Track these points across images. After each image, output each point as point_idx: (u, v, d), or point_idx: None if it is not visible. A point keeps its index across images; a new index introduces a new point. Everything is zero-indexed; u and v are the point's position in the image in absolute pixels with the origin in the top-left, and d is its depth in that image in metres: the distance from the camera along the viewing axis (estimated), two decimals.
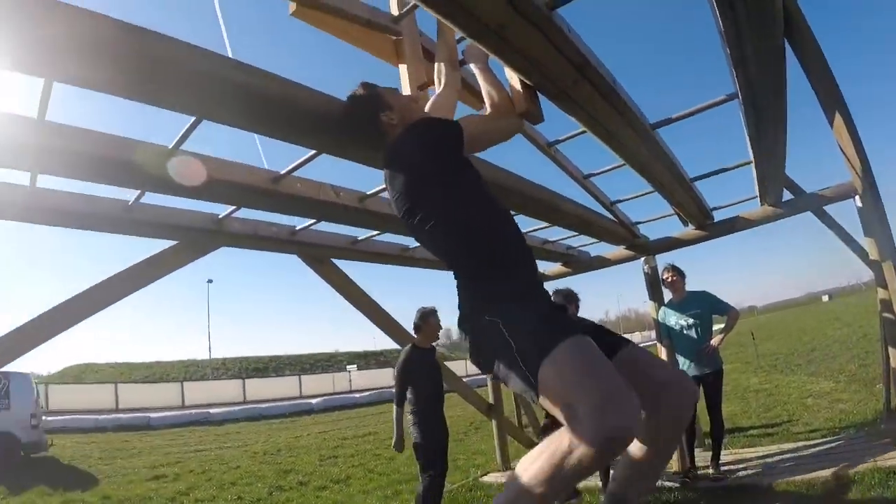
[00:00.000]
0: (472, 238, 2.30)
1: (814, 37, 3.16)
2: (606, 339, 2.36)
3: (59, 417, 20.23)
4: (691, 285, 6.51)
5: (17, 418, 12.59)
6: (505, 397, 8.41)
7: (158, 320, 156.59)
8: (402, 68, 3.48)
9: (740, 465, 6.31)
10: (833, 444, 6.48)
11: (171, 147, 3.20)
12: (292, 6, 3.06)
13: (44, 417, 14.35)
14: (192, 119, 2.88)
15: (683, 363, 6.29)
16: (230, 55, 2.47)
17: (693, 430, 6.41)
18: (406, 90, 3.38)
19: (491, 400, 8.42)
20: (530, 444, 8.76)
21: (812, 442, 6.85)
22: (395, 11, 3.48)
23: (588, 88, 2.96)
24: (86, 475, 11.26)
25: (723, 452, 6.42)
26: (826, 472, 5.36)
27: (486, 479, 7.63)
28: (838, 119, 4.35)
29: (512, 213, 4.89)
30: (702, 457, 6.51)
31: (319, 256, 5.99)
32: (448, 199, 2.34)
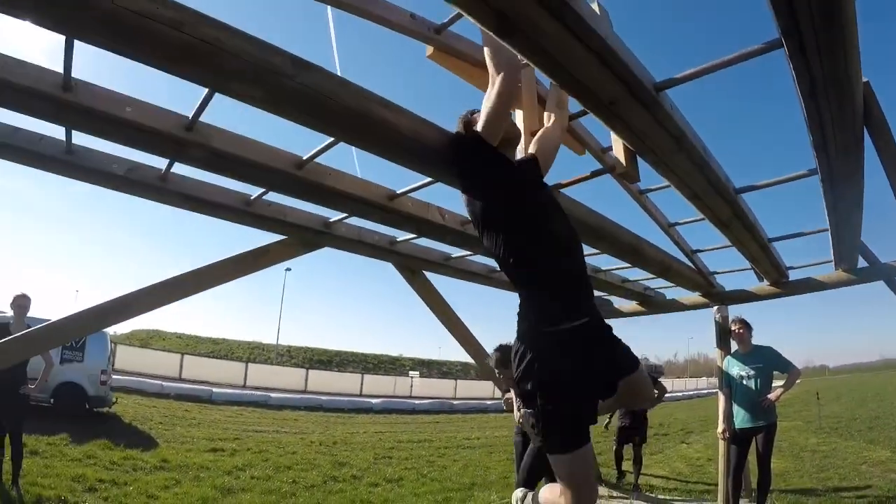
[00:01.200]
0: (516, 266, 2.66)
1: (888, 126, 3.28)
2: (622, 363, 2.70)
3: (125, 377, 20.77)
4: (762, 338, 6.61)
5: (89, 372, 13.20)
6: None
7: (229, 299, 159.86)
8: (518, 114, 3.78)
9: None
10: None
11: (304, 159, 3.61)
12: (429, 50, 3.44)
13: (112, 375, 14.95)
14: (330, 139, 3.26)
15: (738, 413, 6.41)
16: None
17: (740, 480, 6.49)
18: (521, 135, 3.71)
19: None
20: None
21: None
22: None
23: (683, 158, 3.22)
24: (146, 436, 11.71)
25: None
26: None
27: None
28: None
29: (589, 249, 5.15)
30: None
31: (413, 267, 6.35)
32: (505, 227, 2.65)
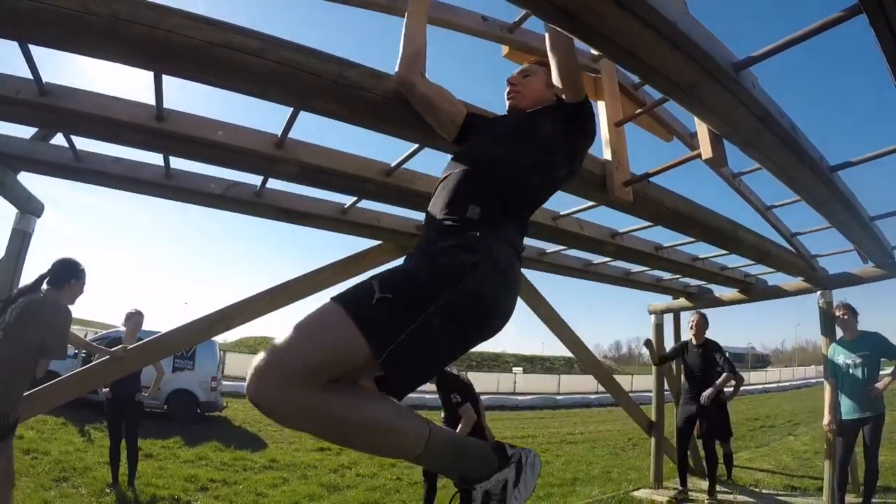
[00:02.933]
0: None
1: None
2: None
3: (234, 383, 21.45)
4: (870, 324, 6.26)
5: (199, 379, 13.91)
6: (667, 415, 8.35)
7: None
8: (601, 104, 3.78)
9: None
10: None
11: (392, 165, 3.72)
12: (505, 49, 3.48)
13: (221, 381, 15.63)
14: (415, 146, 3.35)
15: (844, 403, 6.09)
16: None
17: (846, 474, 6.17)
18: (604, 125, 3.69)
19: (653, 417, 8.45)
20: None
21: None
22: (595, 52, 3.74)
23: (770, 137, 3.10)
24: (255, 438, 12.08)
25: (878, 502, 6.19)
26: None
27: (637, 493, 7.66)
28: None
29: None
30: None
31: None
32: None
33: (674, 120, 4.61)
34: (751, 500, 7.28)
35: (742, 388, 18.98)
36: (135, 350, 5.13)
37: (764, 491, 8.00)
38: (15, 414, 3.88)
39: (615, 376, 8.59)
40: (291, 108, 3.04)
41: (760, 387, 43.55)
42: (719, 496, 7.33)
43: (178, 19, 2.25)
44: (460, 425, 5.74)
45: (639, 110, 3.87)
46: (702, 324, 7.38)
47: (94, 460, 7.97)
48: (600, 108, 3.75)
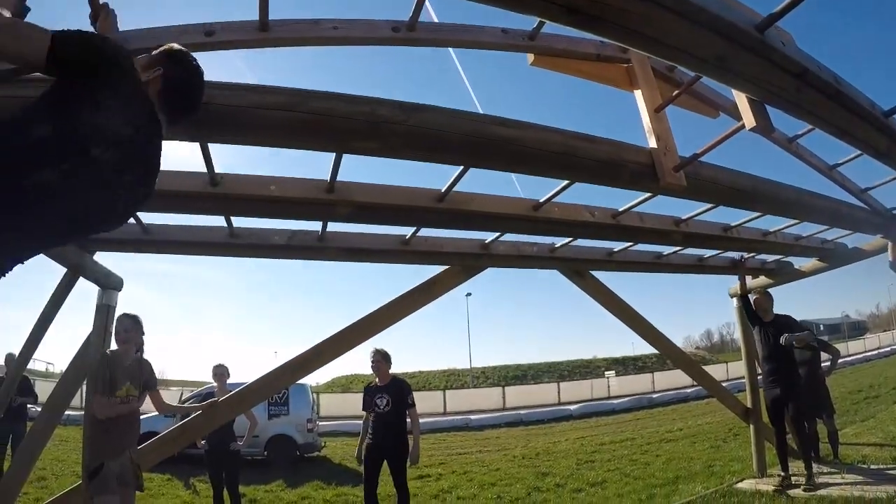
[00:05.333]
0: None
1: None
2: None
3: (330, 422, 21.92)
4: None
5: (295, 423, 14.32)
6: (763, 400, 8.08)
7: (421, 333, 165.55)
8: (637, 93, 3.78)
9: None
10: None
11: (442, 190, 3.80)
12: (530, 58, 3.53)
13: (317, 422, 16.07)
14: (460, 168, 3.42)
15: None
16: (479, 109, 2.97)
17: None
18: (644, 113, 3.67)
19: (749, 404, 8.21)
20: (792, 453, 8.41)
21: None
22: None
23: (812, 93, 3.02)
24: (355, 473, 11.84)
25: None
26: None
27: (740, 485, 7.41)
28: None
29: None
30: None
31: (579, 269, 6.35)
32: None
33: (716, 95, 4.54)
34: (859, 478, 6.89)
35: (841, 361, 18.23)
36: (225, 401, 5.32)
37: (873, 466, 7.63)
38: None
39: (710, 366, 8.38)
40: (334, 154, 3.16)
41: (861, 356, 41.46)
42: (826, 478, 7.05)
43: (211, 90, 2.36)
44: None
45: (675, 92, 3.83)
46: (762, 300, 7.21)
47: None
48: (637, 97, 3.74)
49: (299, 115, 2.49)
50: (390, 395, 6.46)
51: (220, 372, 7.33)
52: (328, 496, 9.60)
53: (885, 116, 3.81)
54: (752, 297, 7.28)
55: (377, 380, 6.60)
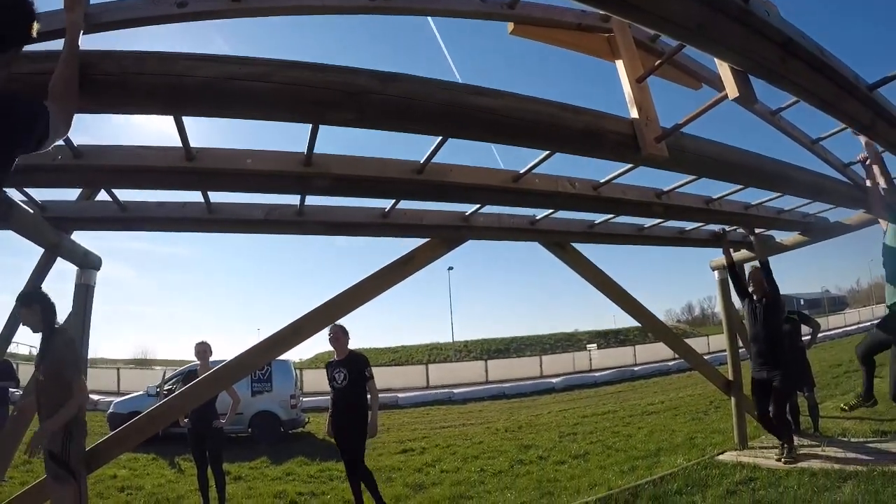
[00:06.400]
0: None
1: None
2: None
3: (314, 398, 21.81)
4: None
5: (279, 399, 14.46)
6: (745, 373, 8.11)
7: (403, 308, 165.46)
8: (619, 63, 3.72)
9: None
10: None
11: (421, 162, 3.74)
12: (510, 26, 3.47)
13: (301, 398, 16.20)
14: (439, 139, 3.36)
15: None
16: (459, 79, 2.93)
17: None
18: (625, 84, 3.63)
19: (730, 376, 8.26)
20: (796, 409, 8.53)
21: None
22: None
23: (797, 64, 3.00)
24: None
25: None
26: None
27: (722, 457, 7.48)
28: None
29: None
30: None
31: (560, 242, 6.30)
32: None
33: (699, 66, 4.50)
34: (839, 450, 7.04)
35: (822, 335, 18.46)
36: (207, 378, 5.27)
37: (853, 439, 7.76)
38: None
39: (691, 339, 8.42)
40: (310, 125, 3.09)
41: (840, 330, 42.04)
42: (807, 450, 7.17)
43: (184, 62, 2.33)
44: None
45: (658, 62, 3.78)
46: (757, 274, 7.17)
47: (185, 489, 8.24)
48: (619, 68, 3.69)
49: (274, 86, 2.42)
50: (347, 369, 6.47)
51: (203, 349, 7.32)
52: (312, 472, 9.67)
53: (869, 90, 3.79)
54: (747, 270, 7.24)
55: (336, 354, 6.61)
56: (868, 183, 5.49)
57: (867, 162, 5.46)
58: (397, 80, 2.65)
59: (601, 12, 3.72)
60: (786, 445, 6.73)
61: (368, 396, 6.56)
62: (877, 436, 7.84)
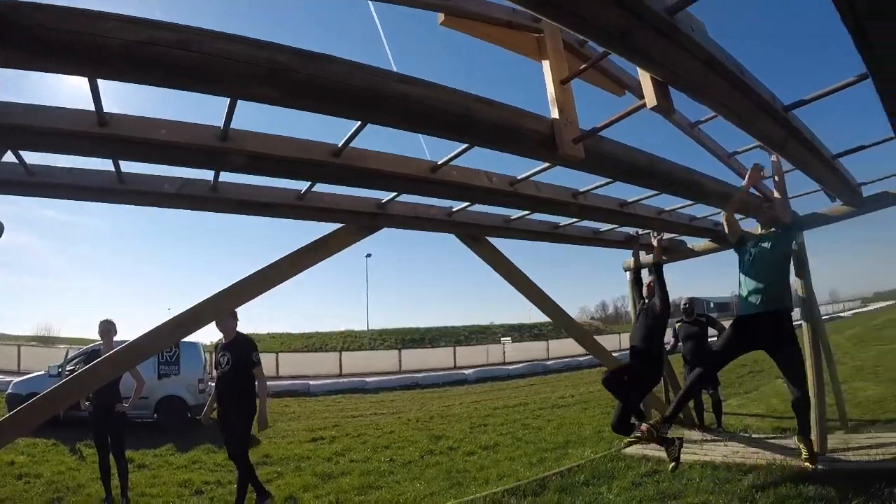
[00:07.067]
0: None
1: None
2: None
3: None
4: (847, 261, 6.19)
5: (187, 383, 13.80)
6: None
7: (318, 293, 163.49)
8: (545, 63, 3.75)
9: (878, 450, 6.20)
10: None
11: (339, 145, 3.67)
12: (441, 17, 3.46)
13: (210, 383, 15.59)
14: (358, 123, 3.31)
15: None
16: (394, 68, 2.89)
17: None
18: (549, 84, 3.66)
19: None
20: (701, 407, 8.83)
21: None
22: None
23: (717, 80, 3.11)
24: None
25: (865, 437, 6.69)
26: None
27: (628, 450, 7.69)
28: None
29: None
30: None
31: (475, 235, 6.32)
32: None
33: (624, 73, 4.60)
34: (741, 445, 7.38)
35: None
36: (109, 358, 5.04)
37: (754, 435, 8.14)
38: None
39: (603, 336, 8.60)
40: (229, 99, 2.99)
41: None
42: (710, 445, 7.54)
43: (103, 23, 2.22)
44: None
45: (583, 66, 3.84)
46: (650, 278, 7.20)
47: (87, 477, 7.88)
48: (545, 68, 3.73)
49: (194, 55, 2.33)
50: (232, 353, 6.23)
51: (107, 328, 6.95)
52: (219, 460, 9.34)
53: (784, 111, 3.96)
54: (645, 281, 7.34)
55: (223, 337, 6.40)
56: (776, 194, 5.69)
57: (774, 177, 5.68)
58: (319, 61, 2.60)
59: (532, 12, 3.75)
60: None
61: (256, 384, 6.29)
62: (777, 432, 8.26)
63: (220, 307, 4.98)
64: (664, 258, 7.04)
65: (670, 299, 6.67)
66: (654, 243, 6.83)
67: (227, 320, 6.26)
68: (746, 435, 8.22)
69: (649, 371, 6.31)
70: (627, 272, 8.70)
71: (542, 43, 3.84)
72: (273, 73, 2.51)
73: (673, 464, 5.69)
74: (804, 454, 5.73)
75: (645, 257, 8.18)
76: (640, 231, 7.52)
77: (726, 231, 5.61)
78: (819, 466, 5.67)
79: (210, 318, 4.96)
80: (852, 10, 2.58)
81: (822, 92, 3.99)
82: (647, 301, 6.86)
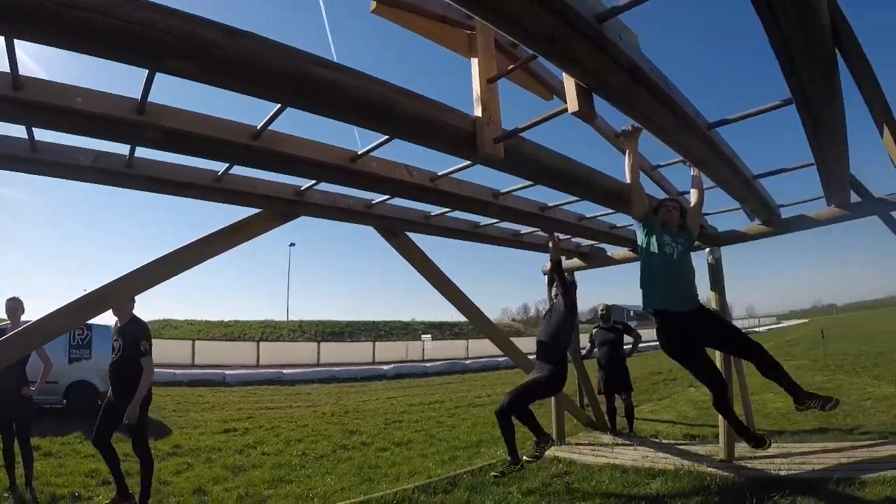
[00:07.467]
0: None
1: (861, 48, 3.13)
2: None
3: None
4: (762, 279, 6.39)
5: (98, 368, 12.60)
6: (568, 375, 8.47)
7: (239, 280, 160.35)
8: (474, 61, 3.74)
9: (783, 459, 6.43)
10: (878, 448, 6.49)
11: (258, 127, 3.58)
12: (373, 4, 3.42)
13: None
14: (278, 106, 3.24)
15: None
16: (334, 57, 2.84)
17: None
18: (476, 82, 3.65)
19: None
20: (589, 423, 8.99)
21: (860, 444, 6.87)
22: None
23: (641, 92, 3.16)
24: (159, 425, 11.67)
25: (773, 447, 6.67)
26: (863, 475, 5.46)
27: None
28: (887, 132, 4.27)
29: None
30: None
31: (394, 229, 6.29)
32: None
33: (552, 77, 4.63)
34: (651, 450, 7.61)
35: (646, 345, 19.91)
36: (11, 337, 4.78)
37: (664, 441, 8.40)
38: None
39: (522, 338, 8.67)
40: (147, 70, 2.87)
41: None
42: (621, 449, 7.79)
43: None
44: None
45: (511, 66, 3.86)
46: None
47: None
48: (473, 65, 3.72)
49: (113, 22, 2.22)
50: (123, 338, 5.93)
51: (14, 307, 6.55)
52: (128, 449, 8.94)
53: (707, 128, 4.05)
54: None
55: (118, 320, 6.10)
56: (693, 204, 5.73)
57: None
58: (243, 38, 2.52)
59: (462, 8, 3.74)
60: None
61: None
62: (686, 439, 8.58)
63: (131, 289, 4.80)
64: (563, 257, 7.11)
65: (574, 297, 6.81)
66: (551, 244, 6.89)
67: (125, 302, 5.94)
68: (657, 440, 8.48)
69: (554, 370, 6.36)
70: (547, 276, 8.83)
71: (473, 40, 3.83)
72: (193, 48, 2.42)
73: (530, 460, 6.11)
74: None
75: (566, 262, 8.30)
76: (561, 236, 7.55)
77: (632, 200, 5.00)
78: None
79: (126, 298, 4.78)
80: (781, 36, 2.68)
81: (746, 113, 4.10)
82: (554, 301, 6.92)
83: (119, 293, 4.77)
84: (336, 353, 35.31)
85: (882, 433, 7.58)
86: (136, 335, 5.93)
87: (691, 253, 5.26)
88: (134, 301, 6.09)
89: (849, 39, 3.06)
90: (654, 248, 4.88)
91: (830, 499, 5.12)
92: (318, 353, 34.44)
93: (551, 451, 7.57)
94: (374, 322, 55.53)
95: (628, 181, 4.83)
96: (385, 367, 28.51)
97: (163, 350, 29.64)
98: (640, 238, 5.07)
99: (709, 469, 6.25)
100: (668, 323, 4.80)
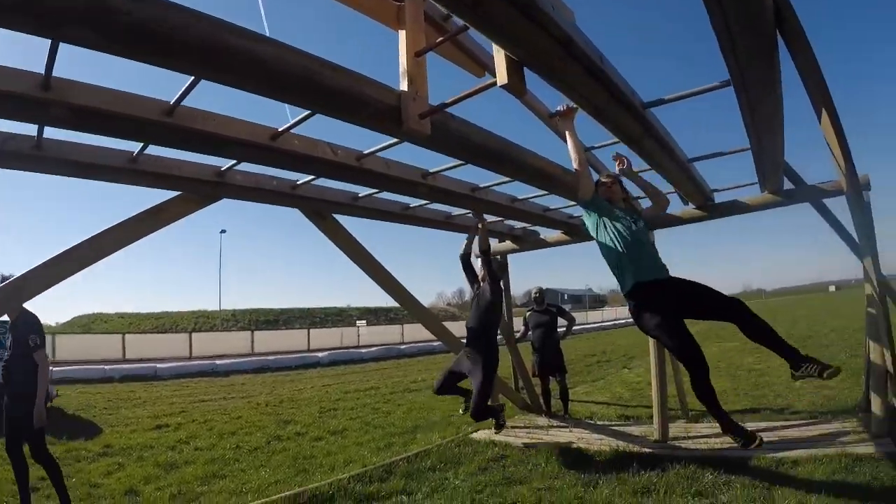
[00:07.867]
0: None
1: (803, 31, 3.12)
2: None
3: (66, 368, 20.35)
4: (694, 262, 6.41)
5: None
6: (502, 358, 8.44)
7: (170, 270, 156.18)
8: (402, 33, 3.58)
9: (716, 439, 6.53)
10: (810, 428, 6.65)
11: (171, 103, 3.36)
12: None
13: (50, 367, 14.35)
14: (192, 78, 3.04)
15: None
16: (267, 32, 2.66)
17: None
18: (402, 55, 3.50)
19: None
20: (525, 406, 9.01)
21: (791, 423, 7.04)
22: None
23: (575, 66, 3.07)
24: (89, 425, 11.34)
25: (704, 426, 7.02)
26: (795, 454, 5.58)
27: (475, 435, 7.83)
28: (825, 117, 4.36)
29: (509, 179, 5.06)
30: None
31: (321, 211, 6.13)
32: None
33: (483, 53, 4.52)
34: (586, 431, 7.66)
35: (580, 328, 20.30)
36: None
37: (599, 422, 8.46)
38: None
39: (458, 322, 8.59)
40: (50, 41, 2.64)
41: (598, 325, 46.81)
42: (556, 431, 7.85)
43: None
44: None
45: (439, 39, 3.73)
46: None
47: None
48: (400, 38, 3.57)
49: None
50: (13, 333, 5.41)
51: None
52: (58, 452, 8.46)
53: (643, 107, 4.01)
54: (477, 267, 7.14)
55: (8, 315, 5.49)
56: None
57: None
58: (150, 3, 2.31)
59: None
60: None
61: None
62: (621, 419, 8.64)
63: (42, 282, 4.48)
64: (489, 243, 7.01)
65: (501, 282, 6.86)
66: (479, 227, 6.81)
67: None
68: (592, 422, 8.52)
69: (484, 354, 6.37)
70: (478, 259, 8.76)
71: (401, 12, 3.68)
72: (94, 14, 2.21)
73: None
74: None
75: (497, 245, 8.26)
76: (493, 219, 7.48)
77: (579, 182, 4.70)
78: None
79: (39, 290, 4.41)
80: (723, 17, 2.63)
81: (683, 93, 4.07)
82: (480, 286, 6.86)
83: (39, 284, 4.43)
84: (270, 341, 35.17)
85: (812, 412, 7.76)
86: (24, 329, 5.38)
87: None
88: None
89: (791, 24, 3.05)
90: (611, 227, 4.68)
91: (765, 477, 5.17)
92: (252, 343, 34.22)
93: (486, 435, 7.58)
94: (308, 309, 55.00)
95: (574, 164, 4.59)
96: (320, 355, 28.33)
97: (93, 345, 28.93)
98: (591, 221, 4.84)
99: (644, 449, 6.32)
100: (647, 296, 4.54)
